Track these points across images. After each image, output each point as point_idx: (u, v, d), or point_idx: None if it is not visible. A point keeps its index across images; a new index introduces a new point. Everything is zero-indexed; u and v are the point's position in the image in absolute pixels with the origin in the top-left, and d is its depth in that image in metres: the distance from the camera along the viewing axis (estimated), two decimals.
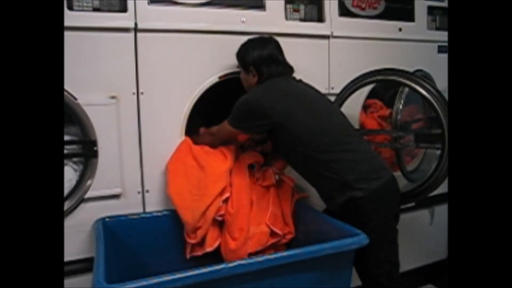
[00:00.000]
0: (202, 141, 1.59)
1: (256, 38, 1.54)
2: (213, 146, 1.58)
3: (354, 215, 1.33)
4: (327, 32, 1.77)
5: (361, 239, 1.21)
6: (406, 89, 1.95)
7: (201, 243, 1.46)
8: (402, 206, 1.47)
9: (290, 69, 1.55)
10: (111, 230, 1.37)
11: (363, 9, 1.87)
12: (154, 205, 1.50)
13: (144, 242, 1.46)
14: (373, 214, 1.33)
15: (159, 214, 1.50)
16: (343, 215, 1.35)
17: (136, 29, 1.42)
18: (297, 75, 1.57)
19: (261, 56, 1.47)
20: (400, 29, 1.98)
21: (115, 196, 1.44)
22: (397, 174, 1.82)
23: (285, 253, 1.15)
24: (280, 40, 1.56)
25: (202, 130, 1.71)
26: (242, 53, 1.52)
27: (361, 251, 1.30)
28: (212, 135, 1.57)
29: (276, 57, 1.50)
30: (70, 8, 1.32)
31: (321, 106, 1.48)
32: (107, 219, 1.40)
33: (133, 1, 1.40)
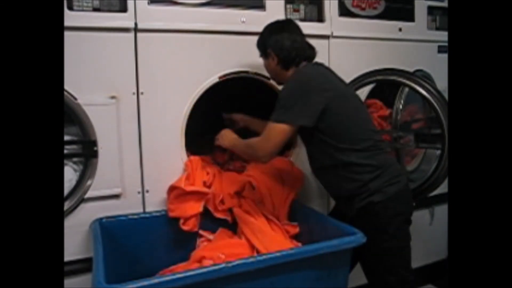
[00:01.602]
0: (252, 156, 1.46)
1: (272, 23, 1.46)
2: (266, 160, 1.40)
3: (371, 222, 1.29)
4: (327, 32, 1.76)
5: (358, 237, 1.21)
6: (406, 89, 1.95)
7: None
8: None
9: (311, 50, 1.45)
10: (109, 230, 1.37)
11: (363, 9, 1.87)
12: (154, 205, 1.50)
13: (143, 242, 1.46)
14: (391, 220, 1.29)
15: (157, 214, 1.49)
16: (357, 221, 1.29)
17: (136, 29, 1.41)
18: None
19: (277, 40, 1.40)
20: (400, 29, 1.98)
21: (115, 196, 1.44)
22: None
23: (284, 252, 1.15)
24: None
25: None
26: (261, 40, 1.46)
27: (375, 258, 1.29)
28: (259, 145, 1.35)
29: (295, 38, 1.41)
30: (70, 8, 1.32)
31: (357, 101, 1.41)
32: (104, 220, 1.40)
33: (133, 1, 1.40)
